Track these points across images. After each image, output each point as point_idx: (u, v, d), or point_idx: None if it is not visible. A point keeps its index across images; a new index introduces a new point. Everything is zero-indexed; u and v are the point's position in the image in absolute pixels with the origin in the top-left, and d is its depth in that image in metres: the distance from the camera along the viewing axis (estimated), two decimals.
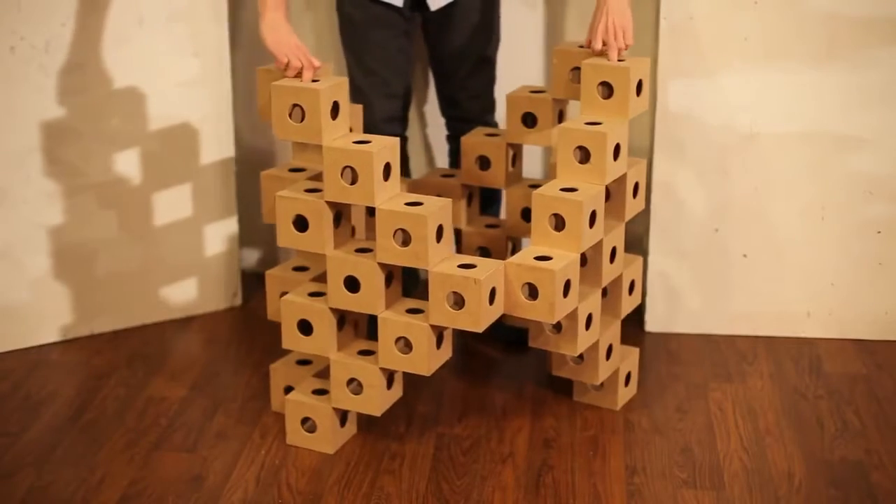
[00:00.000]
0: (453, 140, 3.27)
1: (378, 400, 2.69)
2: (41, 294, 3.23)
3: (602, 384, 2.92)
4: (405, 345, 2.62)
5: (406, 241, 2.54)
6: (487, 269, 2.53)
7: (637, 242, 3.53)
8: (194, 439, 2.82)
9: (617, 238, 2.80)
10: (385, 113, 3.14)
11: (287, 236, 2.64)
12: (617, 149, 2.67)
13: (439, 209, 2.55)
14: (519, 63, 3.35)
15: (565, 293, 2.57)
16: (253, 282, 3.59)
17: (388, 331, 2.61)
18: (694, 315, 3.31)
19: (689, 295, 3.30)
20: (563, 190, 2.61)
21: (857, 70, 3.09)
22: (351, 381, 2.71)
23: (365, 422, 2.88)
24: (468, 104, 3.18)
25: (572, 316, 2.68)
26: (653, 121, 3.21)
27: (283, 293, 2.82)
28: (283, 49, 2.64)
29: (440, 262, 2.56)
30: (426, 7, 3.03)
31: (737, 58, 3.11)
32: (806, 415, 2.92)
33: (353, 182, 2.55)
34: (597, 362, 2.83)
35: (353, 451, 2.76)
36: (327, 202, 2.59)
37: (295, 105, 2.57)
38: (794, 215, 3.22)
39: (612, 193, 2.79)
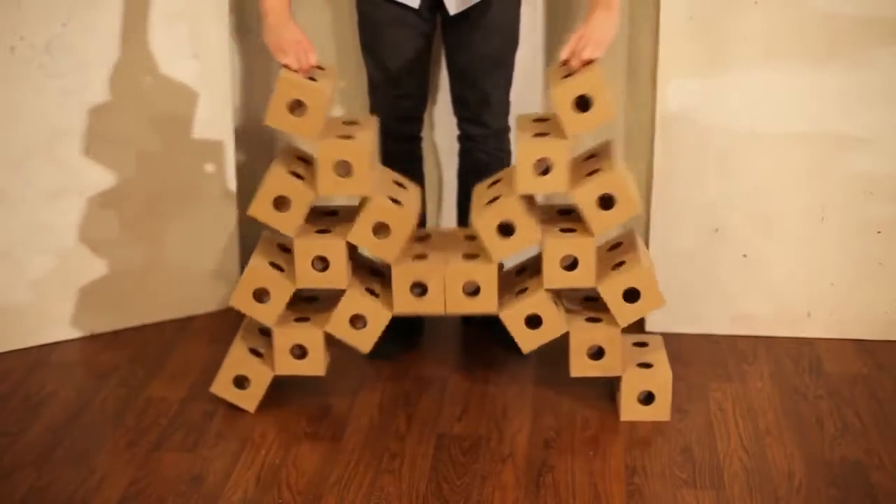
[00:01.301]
0: (464, 141, 3.25)
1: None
2: (41, 294, 3.23)
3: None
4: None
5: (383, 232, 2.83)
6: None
7: None
8: (194, 439, 2.82)
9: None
10: (399, 112, 3.14)
11: (263, 210, 2.83)
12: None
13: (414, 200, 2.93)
14: (519, 64, 3.34)
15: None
16: None
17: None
18: (694, 315, 3.31)
19: (689, 295, 3.30)
20: (491, 184, 2.90)
21: (857, 70, 3.09)
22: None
23: (365, 422, 2.88)
24: (481, 107, 3.16)
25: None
26: (653, 121, 3.21)
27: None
28: (284, 47, 2.77)
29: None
30: (447, 18, 3.02)
31: (737, 58, 3.11)
32: (806, 415, 2.92)
33: (347, 175, 2.77)
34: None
35: (353, 451, 2.77)
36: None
37: (297, 100, 2.72)
38: (794, 215, 3.22)
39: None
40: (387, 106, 3.12)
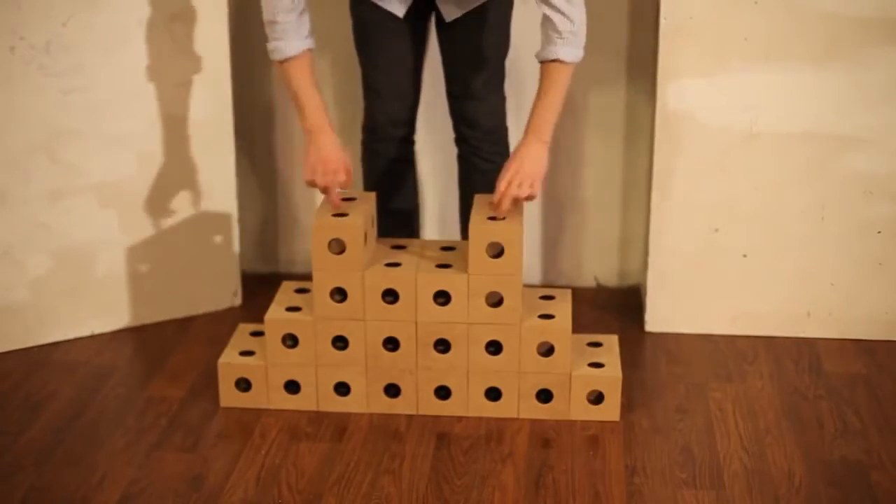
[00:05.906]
0: (461, 144, 3.24)
1: None
2: (41, 294, 3.23)
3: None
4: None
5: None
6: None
7: (637, 241, 3.53)
8: (194, 439, 2.82)
9: None
10: (392, 114, 3.14)
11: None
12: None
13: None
14: (518, 65, 3.34)
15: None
16: (253, 282, 3.59)
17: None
18: (694, 315, 3.31)
19: (689, 295, 3.30)
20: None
21: (856, 70, 3.09)
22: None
23: (365, 422, 2.88)
24: (476, 107, 3.15)
25: None
26: (653, 121, 3.21)
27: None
28: (315, 167, 2.83)
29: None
30: (441, 18, 3.01)
31: (737, 58, 3.11)
32: (806, 415, 2.92)
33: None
34: None
35: (353, 451, 2.77)
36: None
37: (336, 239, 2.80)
38: (794, 215, 3.22)
39: None
40: (379, 107, 3.12)
